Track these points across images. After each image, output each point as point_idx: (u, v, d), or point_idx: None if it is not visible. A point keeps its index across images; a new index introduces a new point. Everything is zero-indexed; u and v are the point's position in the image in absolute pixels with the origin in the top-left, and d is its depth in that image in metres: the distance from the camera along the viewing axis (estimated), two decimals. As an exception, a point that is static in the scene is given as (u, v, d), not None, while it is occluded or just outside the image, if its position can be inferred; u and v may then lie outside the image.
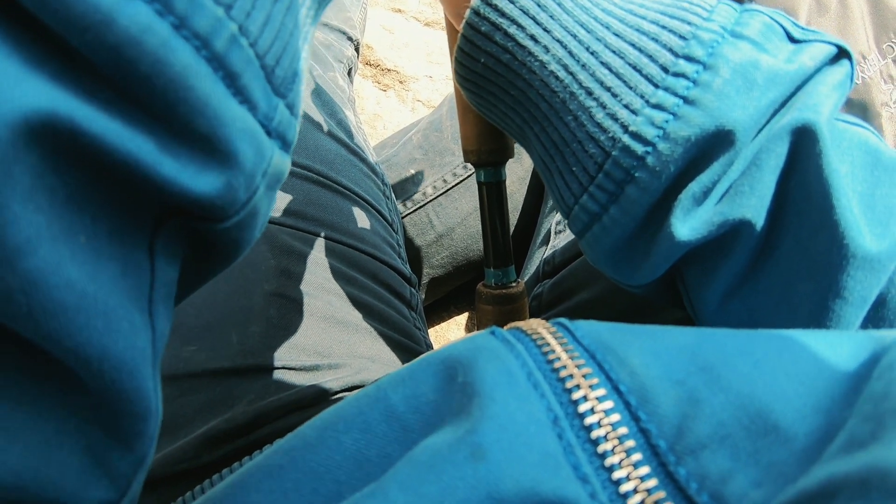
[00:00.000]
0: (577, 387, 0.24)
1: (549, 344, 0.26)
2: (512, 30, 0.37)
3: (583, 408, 0.23)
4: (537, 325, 0.28)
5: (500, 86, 0.40)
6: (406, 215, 0.82)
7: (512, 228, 0.84)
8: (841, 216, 0.33)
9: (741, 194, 0.35)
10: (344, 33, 0.97)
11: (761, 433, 0.22)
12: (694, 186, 0.35)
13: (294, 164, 0.62)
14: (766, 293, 0.38)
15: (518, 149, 0.81)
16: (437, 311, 0.97)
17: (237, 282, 0.55)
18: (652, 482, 0.21)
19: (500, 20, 0.37)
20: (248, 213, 0.25)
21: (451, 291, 0.92)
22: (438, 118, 0.86)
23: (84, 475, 0.22)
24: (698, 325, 0.42)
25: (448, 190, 0.82)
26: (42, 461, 0.21)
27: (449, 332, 0.95)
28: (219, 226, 0.24)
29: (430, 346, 0.66)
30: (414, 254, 0.82)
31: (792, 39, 0.37)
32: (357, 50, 1.00)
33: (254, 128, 0.23)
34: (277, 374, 0.53)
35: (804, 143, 0.34)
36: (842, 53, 0.37)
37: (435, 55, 1.27)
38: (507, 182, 0.81)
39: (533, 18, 0.37)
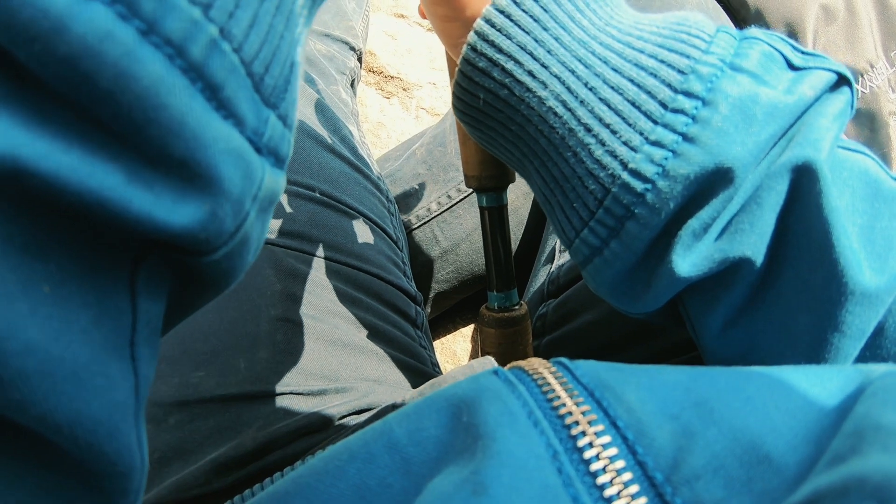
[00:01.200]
0: (576, 423, 0.25)
1: (549, 383, 0.28)
2: (509, 66, 0.37)
3: (582, 443, 0.24)
4: (538, 365, 0.29)
5: (499, 120, 0.40)
6: (411, 231, 0.82)
7: (517, 244, 0.84)
8: (840, 254, 0.34)
9: (741, 232, 0.36)
10: (346, 43, 0.97)
11: (754, 463, 0.23)
12: (693, 223, 0.35)
13: (298, 183, 0.63)
14: (765, 323, 0.38)
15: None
16: (443, 324, 0.98)
17: (243, 307, 0.56)
18: None
19: (498, 56, 0.37)
20: (237, 242, 0.22)
21: (457, 304, 0.93)
22: (442, 132, 0.86)
23: None
24: (700, 349, 0.44)
25: (453, 206, 0.82)
26: None
27: (454, 344, 0.95)
28: (205, 259, 0.21)
29: (435, 365, 0.66)
30: (419, 269, 0.82)
31: (792, 67, 0.36)
32: (360, 60, 1.00)
33: (241, 146, 0.20)
34: (285, 400, 0.53)
35: (804, 181, 0.35)
36: (842, 80, 0.37)
37: (438, 61, 1.26)
38: (512, 196, 0.81)
39: (530, 54, 0.37)
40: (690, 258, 0.36)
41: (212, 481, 0.50)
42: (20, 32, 0.15)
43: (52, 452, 0.19)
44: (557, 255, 0.71)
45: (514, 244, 0.84)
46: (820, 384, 0.25)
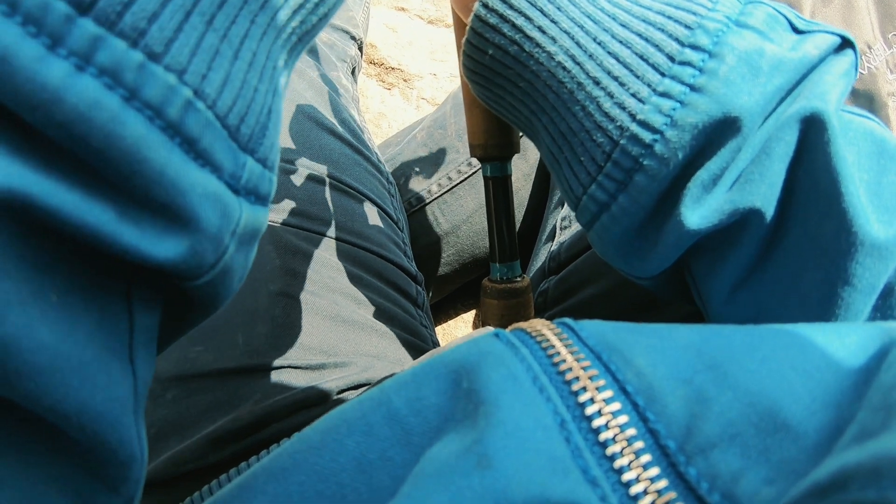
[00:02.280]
0: (584, 389, 0.24)
1: (553, 346, 0.26)
2: (520, 21, 0.37)
3: (590, 410, 0.23)
4: (541, 327, 0.28)
5: (508, 78, 0.40)
6: (411, 213, 0.82)
7: (518, 225, 0.83)
8: (849, 203, 0.33)
9: (751, 182, 0.36)
10: (347, 32, 0.97)
11: (771, 430, 0.22)
12: (702, 174, 0.35)
13: (299, 163, 0.63)
14: (774, 283, 0.38)
15: (524, 144, 0.81)
16: (444, 309, 0.97)
17: (245, 282, 0.55)
18: (662, 483, 0.21)
19: (509, 12, 0.38)
20: (218, 272, 0.25)
21: (458, 289, 0.92)
22: (442, 115, 0.86)
23: None
24: (707, 317, 0.43)
25: (453, 187, 0.81)
26: None
27: (456, 330, 0.95)
28: (189, 284, 0.24)
29: (436, 344, 0.66)
30: (420, 252, 0.82)
31: (795, 30, 0.37)
32: (360, 49, 1.00)
33: (218, 190, 0.23)
34: (283, 374, 0.53)
35: (813, 131, 0.35)
36: (845, 43, 0.37)
37: (438, 53, 1.26)
38: (513, 178, 0.81)
39: (541, 10, 0.37)
40: (700, 211, 0.36)
41: (208, 455, 0.50)
42: (23, 102, 0.18)
43: (61, 443, 0.21)
44: (558, 233, 0.71)
45: (516, 225, 0.84)
46: (838, 342, 0.24)
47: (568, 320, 0.28)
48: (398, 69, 1.22)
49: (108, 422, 0.22)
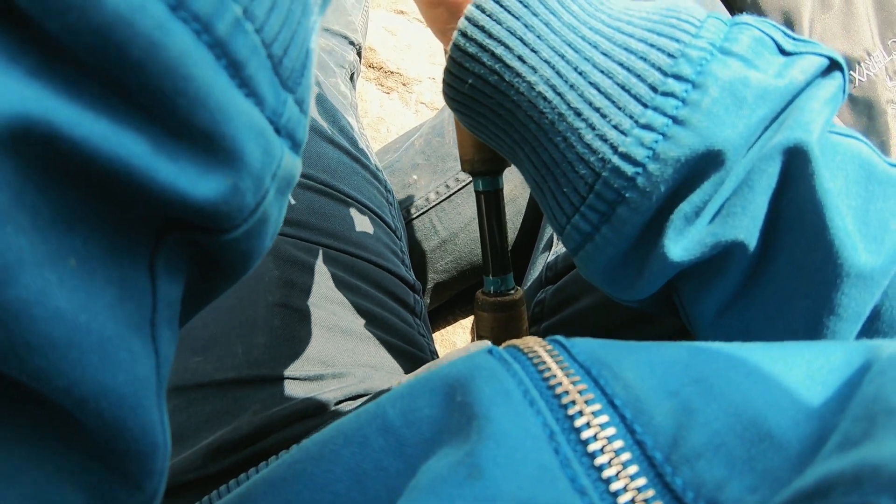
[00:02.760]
0: (573, 402, 0.24)
1: (545, 362, 0.27)
2: (499, 51, 0.37)
3: (579, 422, 0.24)
4: (534, 344, 0.29)
5: (489, 107, 0.40)
6: (409, 221, 0.82)
7: (516, 232, 0.84)
8: (835, 235, 0.33)
9: (733, 215, 0.35)
10: (345, 38, 0.97)
11: (755, 440, 0.22)
12: (685, 206, 0.35)
13: (297, 172, 0.63)
14: (760, 309, 0.38)
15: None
16: (443, 315, 0.98)
17: (241, 293, 0.56)
18: (650, 493, 0.21)
19: (488, 41, 0.37)
20: (257, 220, 0.22)
21: (456, 295, 0.93)
22: (440, 122, 0.86)
23: None
24: (695, 337, 0.43)
25: (451, 195, 0.82)
26: (43, 502, 0.19)
27: (454, 336, 0.95)
28: (225, 237, 0.21)
29: (434, 353, 0.67)
30: (418, 259, 0.82)
31: (783, 52, 0.36)
32: (359, 54, 1.00)
33: (261, 124, 0.21)
34: (282, 385, 0.54)
35: (796, 163, 0.34)
36: (833, 65, 0.37)
37: (438, 56, 1.27)
38: (510, 186, 0.81)
39: (520, 39, 0.37)
40: (682, 243, 0.36)
41: (207, 465, 0.50)
42: (55, 3, 0.15)
43: (75, 432, 0.19)
44: (555, 243, 0.71)
45: (513, 234, 0.84)
46: (823, 357, 0.25)
47: (560, 338, 0.29)
48: (397, 73, 1.22)
49: (131, 406, 0.19)
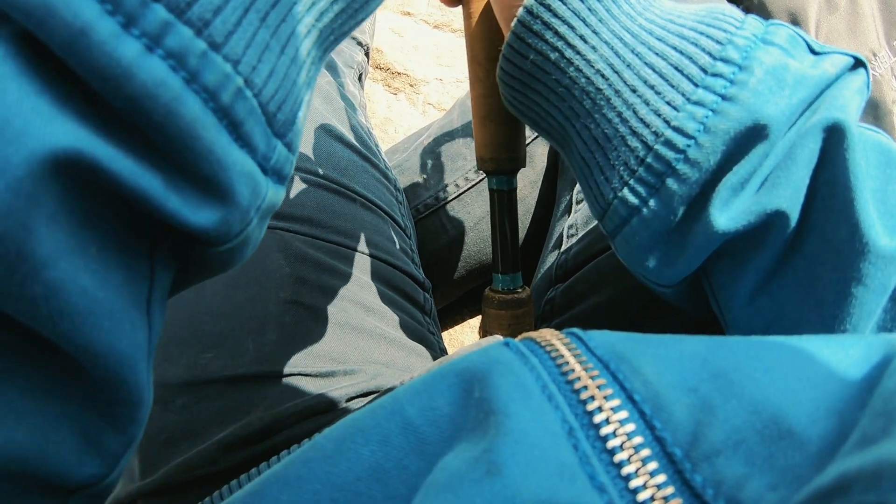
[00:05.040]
0: (592, 398, 0.24)
1: (562, 356, 0.27)
2: (563, 29, 0.39)
3: (598, 418, 0.24)
4: (551, 336, 0.29)
5: (546, 83, 0.42)
6: (419, 220, 0.83)
7: (524, 232, 0.84)
8: (861, 209, 0.36)
9: (777, 185, 0.38)
10: (354, 38, 0.98)
11: (775, 438, 0.22)
12: (731, 177, 0.37)
13: (307, 171, 0.63)
14: (792, 288, 0.39)
15: (530, 152, 0.81)
16: (451, 315, 0.98)
17: (253, 290, 0.56)
18: (669, 490, 0.21)
19: (553, 20, 0.39)
20: (240, 241, 0.28)
21: (465, 295, 0.92)
22: (449, 122, 0.86)
23: (79, 453, 0.25)
24: (724, 324, 0.44)
25: (460, 195, 0.82)
26: (44, 439, 0.24)
27: (462, 336, 0.95)
28: (212, 250, 0.27)
29: (443, 351, 0.67)
30: (427, 258, 0.82)
31: (812, 51, 0.39)
32: (367, 55, 1.01)
33: (252, 169, 0.27)
34: (293, 381, 0.54)
35: (834, 139, 0.37)
36: (858, 63, 0.40)
37: (444, 58, 1.27)
38: (519, 186, 0.81)
39: (583, 20, 0.39)
40: (729, 212, 0.38)
41: (219, 461, 0.50)
42: (98, 73, 0.21)
43: (79, 385, 0.25)
44: (565, 241, 0.71)
45: (522, 233, 0.84)
46: (843, 352, 0.25)
47: (577, 330, 0.29)
48: (404, 74, 1.23)
49: (130, 364, 0.25)
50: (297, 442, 0.51)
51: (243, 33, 0.25)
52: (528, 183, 0.83)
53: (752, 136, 0.36)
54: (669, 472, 0.22)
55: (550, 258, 0.72)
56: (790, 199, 0.38)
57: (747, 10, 0.91)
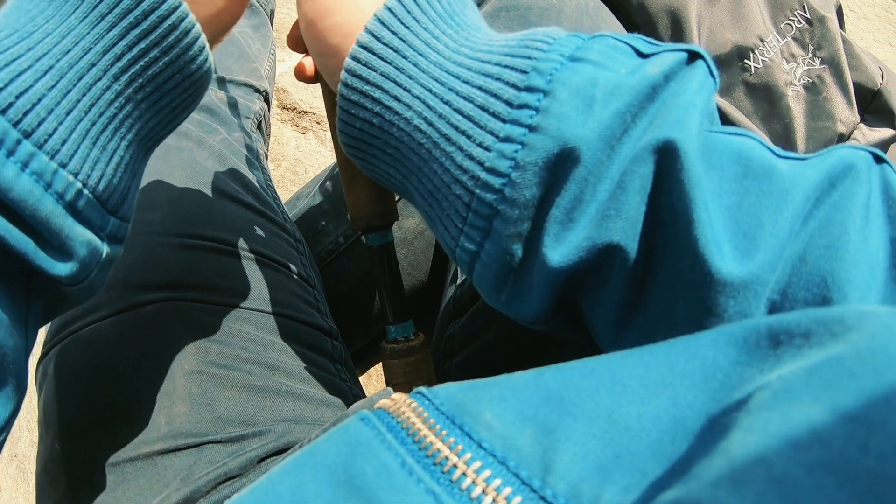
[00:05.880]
0: (446, 459, 0.26)
1: (413, 424, 0.28)
2: (377, 94, 0.40)
3: (456, 476, 0.25)
4: (401, 404, 0.30)
5: (378, 147, 0.43)
6: (324, 267, 0.83)
7: (428, 270, 0.84)
8: (700, 236, 0.33)
9: (607, 218, 0.36)
10: (251, 86, 0.98)
11: (615, 437, 0.24)
12: (555, 212, 0.36)
13: (201, 237, 0.64)
14: (656, 321, 0.38)
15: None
16: (376, 350, 0.98)
17: (159, 365, 0.57)
18: None
19: (366, 87, 0.40)
20: (86, 285, 0.40)
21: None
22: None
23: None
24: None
25: (360, 236, 0.83)
26: None
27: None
28: (67, 289, 0.40)
29: (357, 396, 0.68)
30: (338, 302, 0.82)
31: (641, 55, 0.38)
32: (267, 101, 1.01)
33: (91, 239, 0.39)
34: (205, 450, 0.55)
35: (667, 161, 0.35)
36: (693, 56, 0.38)
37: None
38: (418, 220, 0.82)
39: (394, 81, 0.40)
40: (561, 249, 0.37)
41: None
42: None
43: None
44: (460, 274, 0.72)
45: (427, 267, 0.84)
46: (688, 351, 0.26)
47: (423, 390, 0.30)
48: (311, 112, 1.23)
49: (14, 358, 0.37)
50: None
51: (82, 154, 0.37)
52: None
53: (563, 163, 0.36)
54: (534, 502, 0.23)
55: (449, 292, 0.73)
56: (623, 231, 0.36)
57: (627, 14, 0.93)
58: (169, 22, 0.39)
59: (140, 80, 0.40)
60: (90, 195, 0.38)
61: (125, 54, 0.38)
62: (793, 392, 0.21)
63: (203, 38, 0.41)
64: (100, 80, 0.38)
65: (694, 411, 0.23)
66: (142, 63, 0.39)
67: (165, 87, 0.41)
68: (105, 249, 0.41)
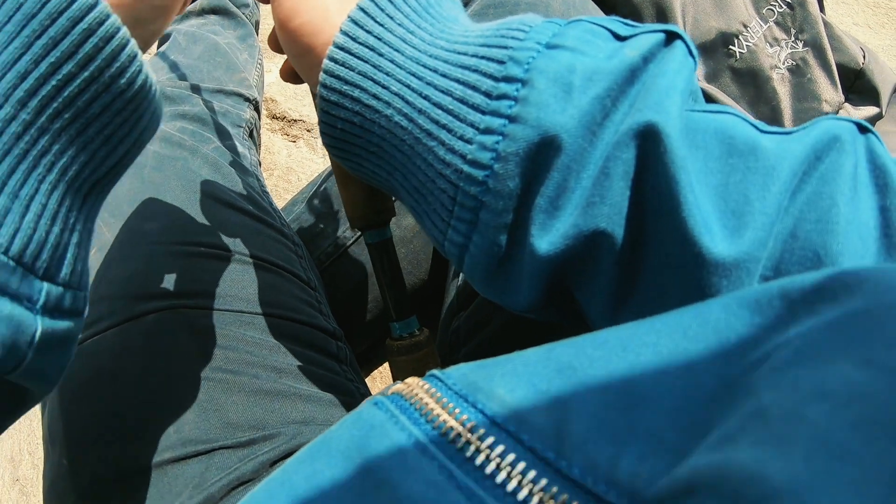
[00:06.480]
0: (459, 435, 0.26)
1: (426, 404, 0.28)
2: (356, 93, 0.40)
3: (470, 452, 0.25)
4: (415, 387, 0.30)
5: (361, 146, 0.42)
6: (323, 269, 0.83)
7: (429, 262, 0.85)
8: (688, 218, 0.33)
9: (592, 205, 0.36)
10: (240, 95, 0.98)
11: (631, 407, 0.23)
12: (540, 201, 0.36)
13: (200, 244, 0.64)
14: (651, 306, 0.38)
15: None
16: (382, 349, 0.98)
17: (164, 374, 0.57)
18: (554, 489, 0.22)
19: (345, 87, 0.40)
20: (24, 372, 0.32)
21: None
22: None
23: None
24: None
25: (357, 238, 0.83)
26: None
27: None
28: (6, 376, 0.32)
29: (364, 395, 0.68)
30: (340, 304, 0.82)
31: (619, 38, 0.38)
32: (257, 109, 1.01)
33: (12, 312, 0.30)
34: (216, 456, 0.54)
35: (649, 144, 0.34)
36: (671, 36, 0.38)
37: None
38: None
39: (371, 79, 0.39)
40: (548, 237, 0.37)
41: None
42: None
43: None
44: (462, 268, 0.72)
45: (427, 264, 0.85)
46: (699, 316, 0.25)
47: (436, 372, 0.30)
48: (301, 120, 1.23)
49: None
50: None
51: None
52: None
53: (544, 152, 0.35)
54: (549, 474, 0.23)
55: (453, 286, 0.73)
56: (609, 217, 0.35)
57: (612, 6, 0.93)
58: (83, 26, 0.32)
59: (55, 105, 0.32)
60: (2, 256, 0.30)
61: (31, 72, 0.31)
62: (818, 347, 0.21)
63: (133, 45, 0.34)
64: (0, 108, 0.31)
65: (710, 375, 0.23)
66: (53, 83, 0.32)
67: (90, 111, 0.34)
68: (38, 325, 0.32)
